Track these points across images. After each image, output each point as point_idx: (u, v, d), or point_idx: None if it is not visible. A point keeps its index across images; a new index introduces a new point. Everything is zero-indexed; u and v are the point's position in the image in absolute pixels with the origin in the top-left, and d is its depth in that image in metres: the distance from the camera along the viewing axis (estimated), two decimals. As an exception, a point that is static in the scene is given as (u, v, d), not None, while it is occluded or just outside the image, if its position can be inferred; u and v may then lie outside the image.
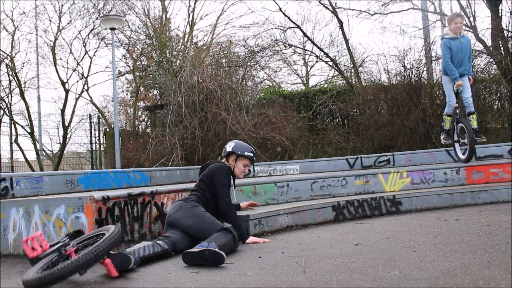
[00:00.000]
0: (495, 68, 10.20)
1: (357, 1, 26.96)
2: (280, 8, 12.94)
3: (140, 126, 15.91)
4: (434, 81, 10.30)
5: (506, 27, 10.00)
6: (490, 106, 10.38)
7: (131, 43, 16.40)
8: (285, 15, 13.00)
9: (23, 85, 15.73)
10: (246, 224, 3.85)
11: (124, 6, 16.28)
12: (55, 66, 15.84)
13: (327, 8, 12.88)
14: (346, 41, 12.34)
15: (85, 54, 16.20)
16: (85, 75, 16.29)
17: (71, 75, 19.02)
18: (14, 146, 14.70)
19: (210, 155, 9.68)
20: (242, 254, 3.23)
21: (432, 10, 13.36)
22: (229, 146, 4.00)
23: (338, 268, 2.61)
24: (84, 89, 16.54)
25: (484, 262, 2.48)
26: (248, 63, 11.90)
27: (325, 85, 14.61)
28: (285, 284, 2.36)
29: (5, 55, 15.25)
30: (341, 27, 12.30)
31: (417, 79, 10.23)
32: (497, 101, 10.42)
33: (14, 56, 15.65)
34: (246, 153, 3.97)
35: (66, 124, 16.04)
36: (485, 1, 10.36)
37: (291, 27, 13.59)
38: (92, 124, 14.35)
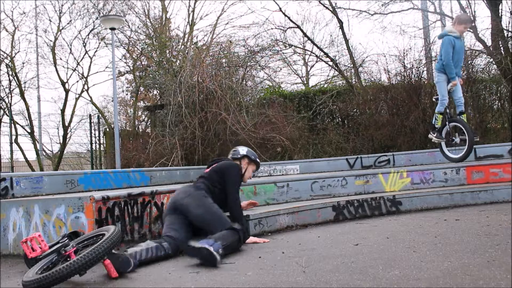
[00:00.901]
0: (495, 68, 10.20)
1: (357, 1, 27.00)
2: (280, 8, 12.95)
3: (140, 126, 15.91)
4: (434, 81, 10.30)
5: (506, 27, 10.01)
6: (490, 106, 10.39)
7: (131, 43, 16.39)
8: (285, 15, 13.01)
9: (23, 85, 15.72)
10: (246, 224, 3.85)
11: (124, 6, 16.28)
12: (55, 66, 15.83)
13: (327, 8, 12.89)
14: (346, 41, 12.35)
15: (85, 54, 16.20)
16: (85, 75, 16.28)
17: (71, 75, 19.00)
18: (14, 146, 14.68)
19: (210, 155, 9.67)
20: (242, 254, 3.23)
21: (432, 10, 13.38)
22: (242, 150, 4.07)
23: (338, 268, 2.61)
24: (84, 89, 16.54)
25: (484, 262, 2.48)
26: (248, 63, 11.89)
27: (325, 85, 14.61)
28: (285, 284, 2.36)
29: (5, 55, 15.25)
30: (341, 27, 12.31)
31: (417, 79, 10.24)
32: (497, 101, 10.42)
33: (14, 56, 15.65)
34: (257, 160, 4.11)
35: (66, 124, 16.03)
36: (485, 1, 10.36)
37: (291, 27, 13.61)
38: (92, 124, 14.34)
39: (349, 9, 18.05)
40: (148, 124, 14.87)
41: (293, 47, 14.34)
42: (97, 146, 14.34)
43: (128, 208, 3.65)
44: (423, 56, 11.09)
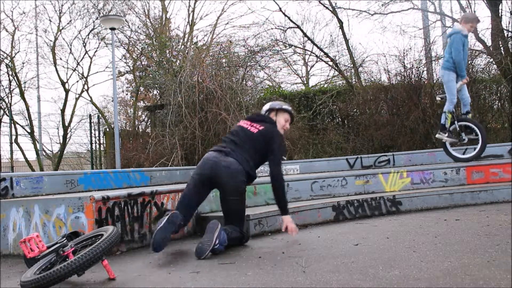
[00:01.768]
0: (495, 68, 10.20)
1: (357, 1, 26.99)
2: (280, 8, 12.97)
3: (140, 126, 15.92)
4: (434, 81, 10.31)
5: (506, 27, 10.01)
6: (490, 106, 10.39)
7: (131, 43, 16.42)
8: (285, 15, 13.04)
9: (23, 85, 15.75)
10: (246, 224, 3.85)
11: (124, 6, 16.31)
12: (55, 66, 15.85)
13: (327, 8, 12.91)
14: (346, 41, 12.36)
15: (85, 54, 16.23)
16: (85, 75, 16.32)
17: (71, 75, 19.06)
18: (14, 146, 14.71)
19: (210, 155, 9.65)
20: (242, 254, 3.23)
21: (432, 10, 13.37)
22: (267, 105, 3.92)
23: (338, 268, 2.61)
24: (84, 89, 16.57)
25: (484, 262, 2.48)
26: (248, 63, 11.89)
27: (325, 85, 14.62)
28: (285, 284, 2.36)
29: (5, 55, 15.26)
30: (341, 27, 12.31)
31: (417, 79, 10.23)
32: (497, 101, 10.43)
33: (14, 56, 15.68)
34: (284, 107, 3.85)
35: (66, 124, 16.05)
36: (485, 1, 10.37)
37: (291, 27, 13.62)
38: (92, 124, 14.35)
39: (349, 9, 18.09)
40: (148, 124, 14.87)
41: (293, 47, 14.36)
42: (97, 146, 14.37)
43: (128, 208, 3.64)
44: (423, 56, 11.10)
